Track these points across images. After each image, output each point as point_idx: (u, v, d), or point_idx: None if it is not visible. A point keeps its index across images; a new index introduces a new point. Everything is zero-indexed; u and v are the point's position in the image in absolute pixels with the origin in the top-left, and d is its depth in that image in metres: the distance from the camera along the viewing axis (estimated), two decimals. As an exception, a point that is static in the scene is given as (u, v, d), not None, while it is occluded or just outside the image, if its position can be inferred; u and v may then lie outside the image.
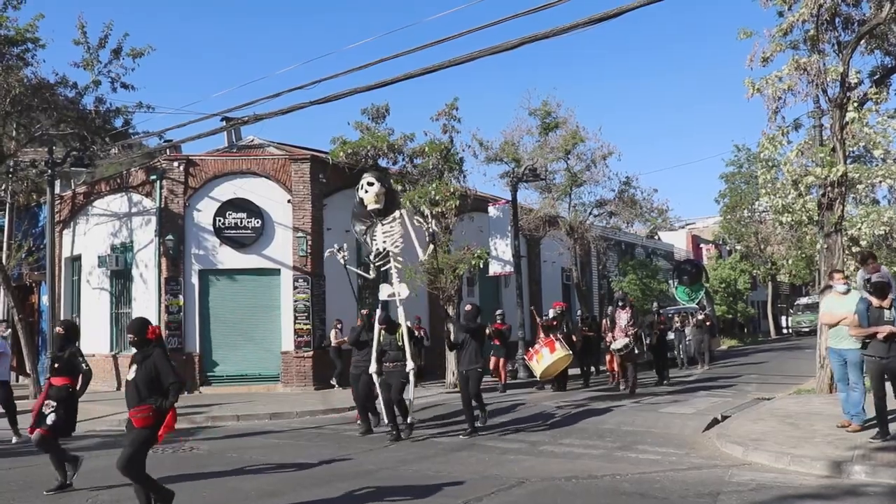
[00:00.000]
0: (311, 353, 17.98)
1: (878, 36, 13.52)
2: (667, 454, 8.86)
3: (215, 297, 18.38)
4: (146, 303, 18.55)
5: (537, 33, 11.10)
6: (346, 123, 46.23)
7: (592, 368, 18.60)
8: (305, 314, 18.18)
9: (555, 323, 16.63)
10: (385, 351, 11.17)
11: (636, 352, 15.95)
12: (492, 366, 17.50)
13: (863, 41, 13.26)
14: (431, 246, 11.65)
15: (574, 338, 17.27)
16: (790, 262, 36.30)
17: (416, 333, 17.73)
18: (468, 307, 11.43)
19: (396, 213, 11.63)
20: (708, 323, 23.52)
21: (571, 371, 17.32)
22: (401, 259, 11.49)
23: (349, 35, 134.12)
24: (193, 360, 17.89)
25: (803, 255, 30.79)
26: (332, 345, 17.59)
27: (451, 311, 18.57)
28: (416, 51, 12.07)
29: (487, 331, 18.19)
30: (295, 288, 18.31)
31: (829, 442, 8.60)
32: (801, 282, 49.06)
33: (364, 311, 12.15)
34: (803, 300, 48.85)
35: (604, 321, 17.98)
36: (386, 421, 11.06)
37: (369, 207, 11.40)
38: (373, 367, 11.21)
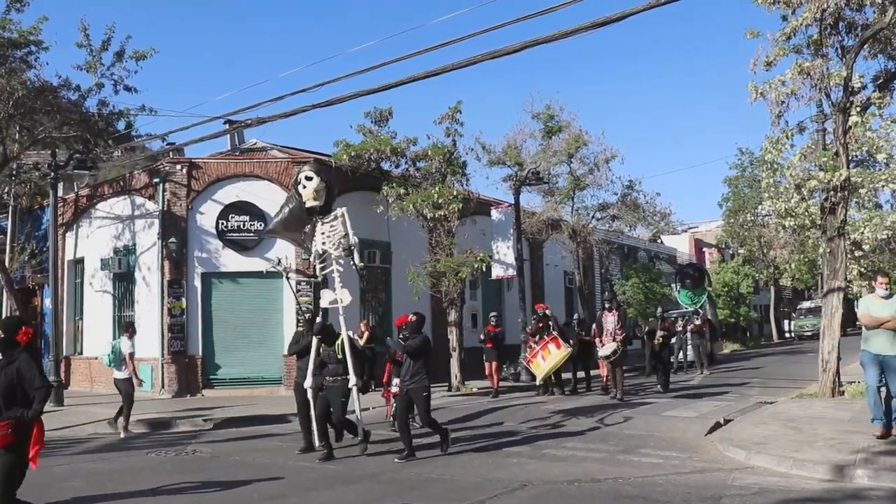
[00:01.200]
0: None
1: (881, 40, 13.54)
2: (669, 458, 8.85)
3: (218, 299, 18.39)
4: (149, 305, 18.57)
5: (540, 37, 11.12)
6: (349, 126, 46.36)
7: (581, 374, 18.01)
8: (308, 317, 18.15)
9: (541, 325, 16.26)
10: (325, 363, 9.99)
11: (625, 355, 15.62)
12: (486, 370, 17.28)
13: (866, 45, 13.28)
14: (355, 252, 10.45)
15: (571, 341, 16.82)
16: (793, 266, 36.23)
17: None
18: (412, 317, 10.08)
19: (338, 211, 10.41)
20: (705, 328, 23.15)
21: (565, 375, 17.19)
22: (342, 261, 10.51)
23: (352, 38, 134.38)
24: (196, 362, 17.89)
25: (806, 260, 30.74)
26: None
27: (453, 314, 18.52)
28: (420, 54, 12.11)
29: (482, 336, 17.69)
30: (297, 291, 18.29)
31: (832, 446, 8.59)
32: (803, 286, 48.95)
33: (306, 316, 11.14)
34: (806, 304, 48.77)
35: (594, 326, 17.44)
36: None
37: (308, 204, 10.19)
38: (308, 381, 10.11)
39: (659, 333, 17.28)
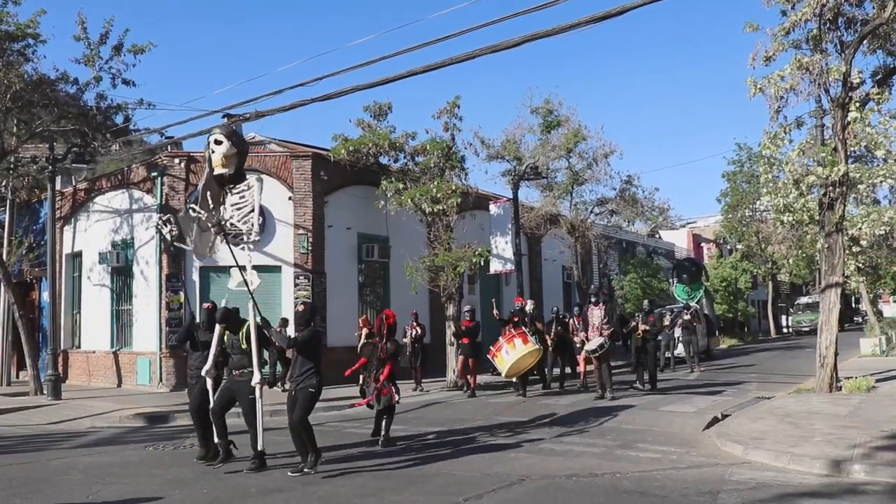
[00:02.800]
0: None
1: (880, 36, 13.55)
2: (667, 452, 8.87)
3: (216, 294, 18.32)
4: (147, 299, 18.56)
5: (539, 31, 11.12)
6: (347, 121, 46.12)
7: (567, 369, 17.36)
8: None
9: (516, 319, 15.21)
10: (228, 354, 8.91)
11: (613, 350, 14.73)
12: (459, 366, 16.40)
13: (865, 41, 13.29)
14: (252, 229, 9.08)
15: (547, 338, 16.33)
16: (791, 261, 36.34)
17: (412, 332, 16.77)
18: (300, 307, 9.00)
19: (252, 181, 9.22)
20: (696, 323, 21.99)
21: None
22: (255, 238, 9.37)
23: (351, 33, 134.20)
24: (194, 356, 17.86)
25: (804, 255, 30.81)
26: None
27: (451, 309, 18.47)
28: (418, 48, 12.14)
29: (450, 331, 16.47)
30: (296, 285, 18.32)
31: (829, 441, 8.61)
32: (801, 281, 49.10)
33: (207, 305, 9.92)
34: (804, 300, 48.88)
35: (571, 321, 16.76)
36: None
37: (216, 172, 8.88)
38: (205, 369, 8.92)
39: (641, 328, 16.20)
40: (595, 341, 14.33)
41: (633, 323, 16.49)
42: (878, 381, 14.31)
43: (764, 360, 24.61)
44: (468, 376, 16.11)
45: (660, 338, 19.77)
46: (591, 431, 10.64)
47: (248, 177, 9.26)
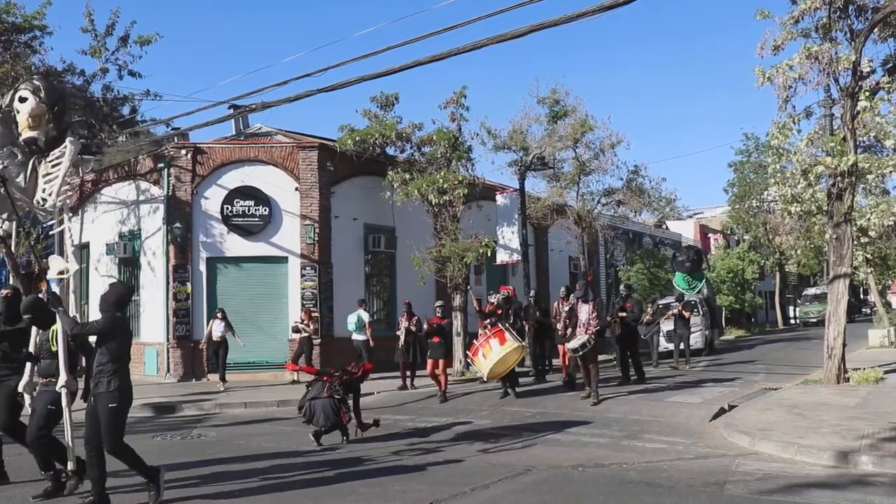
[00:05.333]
0: (318, 341, 18.01)
1: (891, 24, 13.42)
2: (673, 443, 8.86)
3: (223, 284, 18.43)
4: (154, 290, 18.62)
5: (545, 21, 11.04)
6: (354, 111, 45.88)
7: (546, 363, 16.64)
8: (313, 302, 18.22)
9: (499, 311, 14.02)
10: (37, 357, 7.37)
11: (605, 344, 13.34)
12: (428, 369, 14.32)
13: (876, 29, 13.17)
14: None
15: (527, 325, 15.63)
16: (798, 252, 36.11)
17: (404, 324, 15.66)
18: (106, 288, 7.12)
19: (67, 145, 7.42)
20: (688, 314, 20.04)
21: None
22: (71, 216, 7.46)
23: (357, 23, 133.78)
24: (201, 347, 17.93)
25: (812, 246, 30.64)
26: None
27: (458, 299, 18.42)
28: (425, 38, 12.07)
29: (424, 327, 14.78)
30: (302, 276, 18.36)
31: (837, 432, 8.59)
32: (809, 272, 48.84)
33: (6, 293, 8.18)
34: (811, 291, 48.65)
35: (554, 305, 15.90)
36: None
37: (23, 136, 7.09)
38: (22, 383, 7.28)
39: (618, 314, 15.28)
40: (577, 340, 12.73)
41: (610, 318, 15.52)
42: (886, 372, 14.25)
43: (771, 352, 24.53)
44: (439, 379, 14.20)
45: (646, 328, 18.80)
46: (597, 422, 10.63)
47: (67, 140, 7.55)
